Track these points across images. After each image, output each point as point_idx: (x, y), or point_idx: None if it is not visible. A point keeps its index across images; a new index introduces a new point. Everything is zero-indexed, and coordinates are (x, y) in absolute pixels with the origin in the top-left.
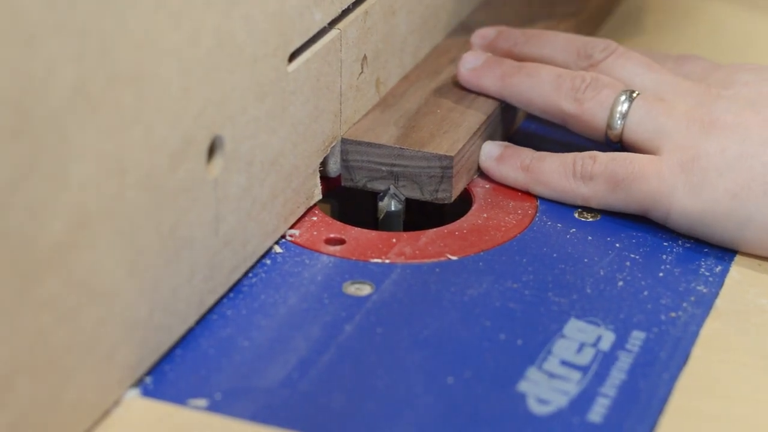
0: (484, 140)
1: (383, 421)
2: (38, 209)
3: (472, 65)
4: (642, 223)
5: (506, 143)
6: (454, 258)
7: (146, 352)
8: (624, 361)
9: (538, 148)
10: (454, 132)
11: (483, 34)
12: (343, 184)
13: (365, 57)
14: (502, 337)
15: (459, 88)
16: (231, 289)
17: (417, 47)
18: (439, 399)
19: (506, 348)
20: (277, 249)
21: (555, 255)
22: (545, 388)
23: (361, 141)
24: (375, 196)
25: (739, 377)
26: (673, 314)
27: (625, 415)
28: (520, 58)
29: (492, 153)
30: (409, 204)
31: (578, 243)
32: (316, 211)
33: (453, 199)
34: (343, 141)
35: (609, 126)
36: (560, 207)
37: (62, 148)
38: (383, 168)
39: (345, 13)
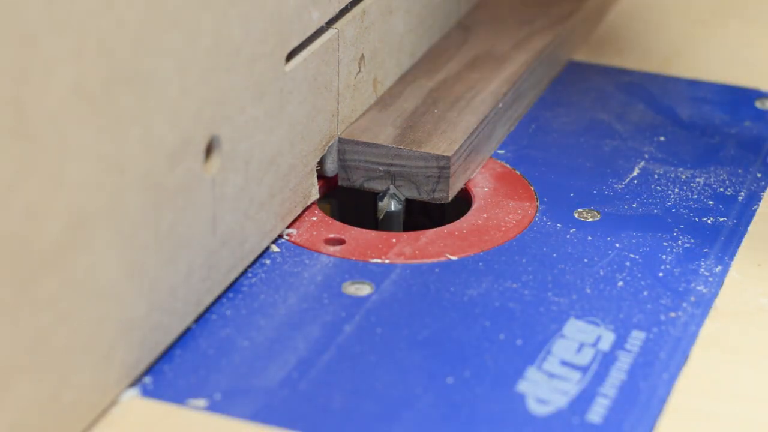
0: (482, 140)
1: (383, 421)
2: (36, 209)
3: None
4: (642, 223)
5: None
6: (453, 258)
7: (144, 352)
8: (624, 361)
9: (537, 148)
10: (452, 132)
11: None
12: (340, 184)
13: (363, 56)
14: (502, 337)
15: (456, 88)
16: (230, 289)
17: (414, 47)
18: (438, 399)
19: (506, 348)
20: (275, 248)
21: (555, 255)
22: (545, 388)
23: (358, 141)
24: (375, 196)
25: (738, 377)
26: (672, 314)
27: (624, 415)
28: None
29: None
30: (410, 204)
31: (578, 243)
32: (316, 211)
33: (450, 199)
34: (341, 140)
35: None
36: (560, 207)
37: (60, 148)
38: (380, 168)
39: (342, 12)
